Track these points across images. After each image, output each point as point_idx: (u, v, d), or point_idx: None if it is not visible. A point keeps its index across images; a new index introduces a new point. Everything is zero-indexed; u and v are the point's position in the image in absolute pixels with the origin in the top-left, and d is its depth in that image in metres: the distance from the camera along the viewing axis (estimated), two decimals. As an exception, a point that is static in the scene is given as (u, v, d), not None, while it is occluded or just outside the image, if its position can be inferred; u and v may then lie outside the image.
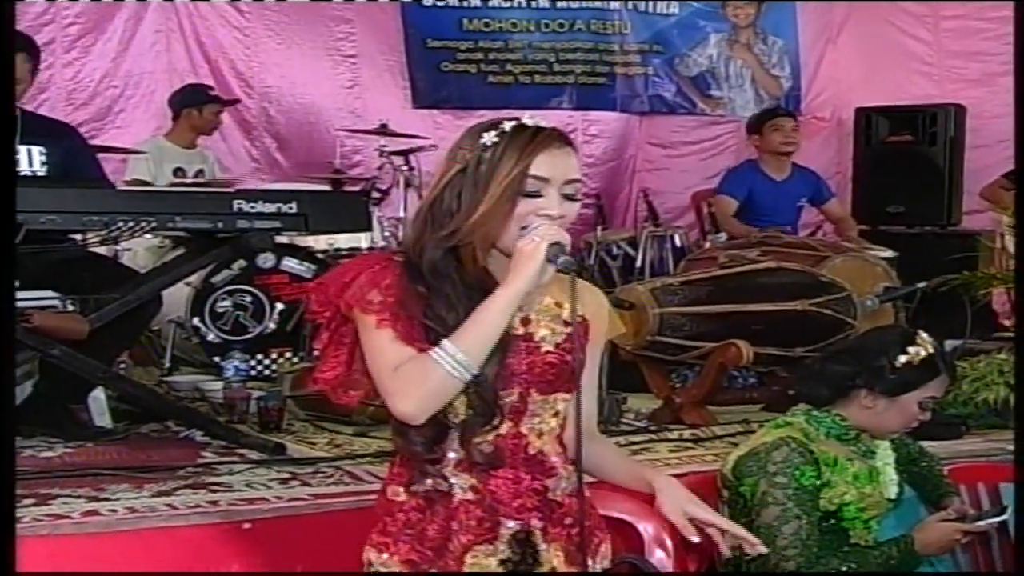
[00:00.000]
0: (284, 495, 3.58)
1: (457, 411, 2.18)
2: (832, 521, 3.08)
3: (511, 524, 2.20)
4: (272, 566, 3.21)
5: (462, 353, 2.10)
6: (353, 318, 2.17)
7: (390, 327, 2.13)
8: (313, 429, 4.65)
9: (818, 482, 3.03)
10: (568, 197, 2.21)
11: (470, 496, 2.20)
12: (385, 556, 2.22)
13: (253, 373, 5.75)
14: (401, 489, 2.24)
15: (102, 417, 4.58)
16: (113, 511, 3.34)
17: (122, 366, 5.34)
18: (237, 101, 7.76)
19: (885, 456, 3.23)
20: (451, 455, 2.20)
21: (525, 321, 2.22)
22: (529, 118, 2.23)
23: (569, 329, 2.24)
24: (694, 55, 9.19)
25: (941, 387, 3.19)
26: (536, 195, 2.17)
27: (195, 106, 7.13)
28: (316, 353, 2.30)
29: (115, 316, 4.28)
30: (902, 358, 3.10)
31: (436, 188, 2.24)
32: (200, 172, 7.06)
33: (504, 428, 2.20)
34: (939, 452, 3.72)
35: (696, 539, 2.24)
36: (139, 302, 4.42)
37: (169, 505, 3.41)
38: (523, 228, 2.17)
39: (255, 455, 4.11)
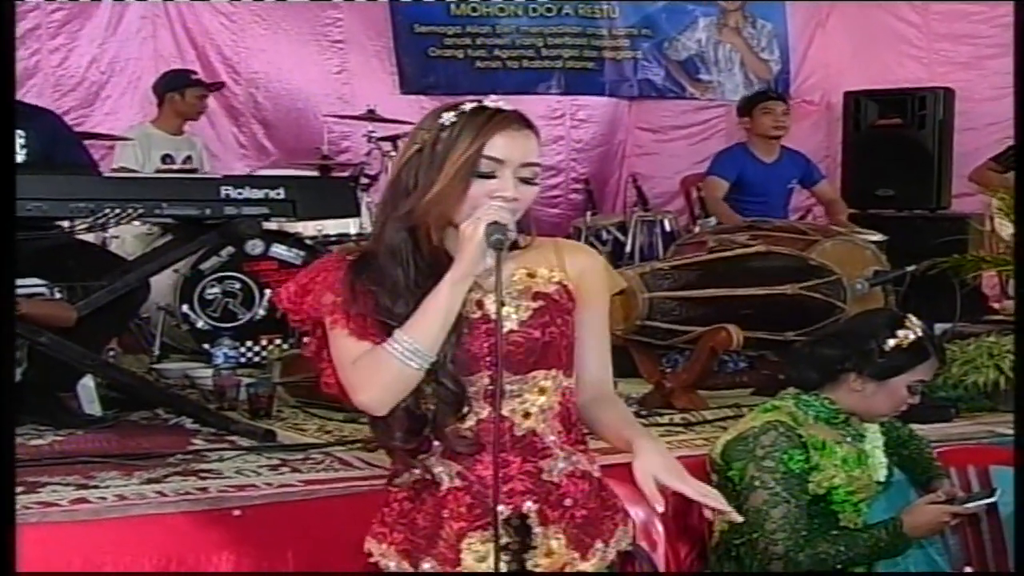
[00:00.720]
0: (274, 481, 3.57)
1: (429, 401, 2.17)
2: (821, 504, 3.09)
3: (501, 508, 2.16)
4: (262, 553, 3.20)
5: (412, 341, 2.09)
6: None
7: (342, 325, 2.15)
8: (303, 415, 4.64)
9: (806, 466, 3.04)
10: (525, 180, 2.18)
11: (458, 483, 2.19)
12: (384, 546, 2.24)
13: (243, 360, 5.75)
14: (394, 479, 2.26)
15: (91, 405, 4.56)
16: (103, 498, 3.33)
17: (111, 354, 5.33)
18: (221, 84, 7.71)
19: (874, 439, 3.23)
20: (436, 443, 2.19)
21: (480, 303, 2.18)
22: (491, 101, 2.21)
23: (538, 304, 2.21)
24: (683, 39, 9.17)
25: (930, 370, 3.19)
26: (490, 176, 2.15)
27: (177, 90, 7.07)
28: (310, 356, 2.30)
29: (103, 303, 4.27)
30: (891, 341, 3.10)
31: (394, 169, 2.25)
32: (188, 159, 7.03)
33: (484, 413, 2.17)
34: (929, 435, 3.72)
35: (660, 508, 2.16)
36: (127, 289, 4.42)
37: (159, 492, 3.40)
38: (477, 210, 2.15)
39: (245, 442, 4.10)
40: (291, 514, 3.33)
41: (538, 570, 2.20)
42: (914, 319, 3.16)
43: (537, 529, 2.20)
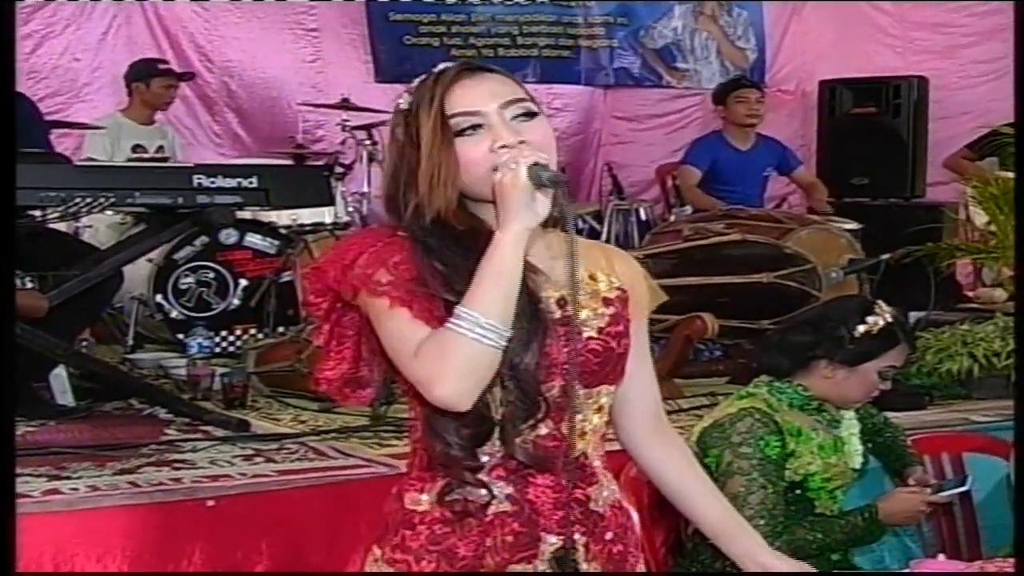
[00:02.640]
0: (248, 472, 3.57)
1: (497, 405, 1.90)
2: (797, 491, 3.09)
3: (553, 540, 1.94)
4: (236, 543, 3.19)
5: (478, 314, 1.80)
6: (359, 304, 1.92)
7: (405, 305, 1.86)
8: (278, 405, 4.64)
9: (783, 452, 3.03)
10: (521, 119, 1.94)
11: (507, 507, 1.92)
12: None
13: (217, 350, 5.74)
14: (424, 498, 1.95)
15: (64, 395, 4.54)
16: (75, 489, 3.32)
17: (84, 344, 5.30)
18: (191, 75, 7.58)
19: (850, 426, 3.23)
20: (484, 459, 1.92)
21: (561, 303, 1.94)
22: (441, 65, 1.98)
23: (611, 310, 1.99)
24: (659, 27, 9.15)
25: (901, 356, 3.19)
26: (474, 130, 1.92)
27: (142, 80, 6.97)
28: (318, 346, 2.04)
29: (75, 293, 4.25)
30: (861, 328, 3.09)
31: (387, 174, 2.01)
32: (160, 148, 6.99)
33: (543, 429, 1.92)
34: (903, 422, 3.73)
35: None
36: (99, 279, 4.40)
37: (131, 483, 3.40)
38: (495, 170, 1.90)
39: (219, 432, 4.09)
40: (265, 504, 3.33)
41: None
42: (884, 305, 3.16)
43: (583, 565, 1.97)
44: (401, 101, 1.98)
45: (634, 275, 2.10)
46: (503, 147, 1.90)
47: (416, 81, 1.99)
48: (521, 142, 1.91)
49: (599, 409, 2.00)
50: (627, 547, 2.04)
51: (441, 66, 1.98)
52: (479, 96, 1.93)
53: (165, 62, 7.28)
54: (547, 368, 1.91)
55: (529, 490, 1.93)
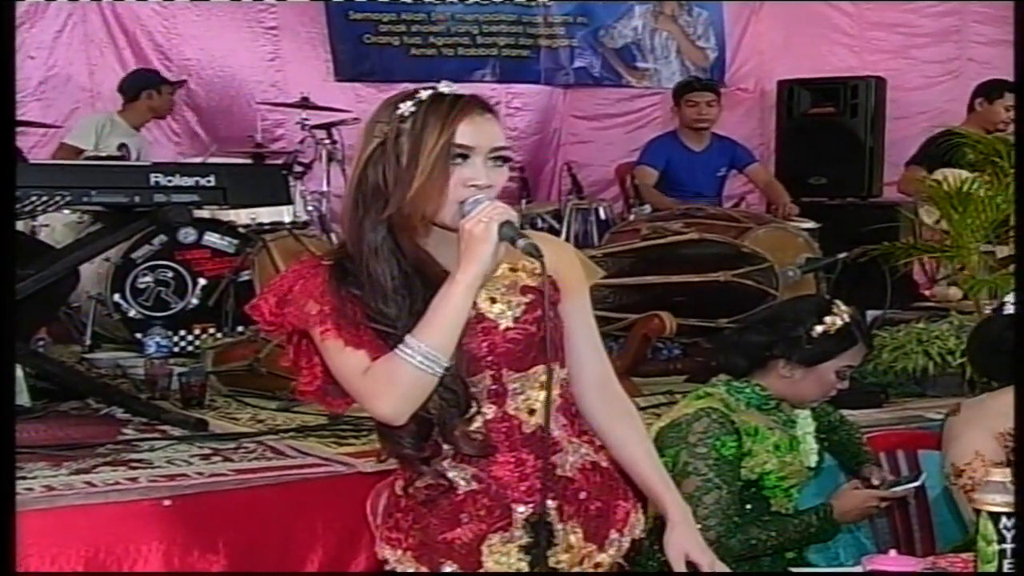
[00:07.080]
0: (205, 471, 3.56)
1: (433, 404, 2.11)
2: (753, 490, 3.10)
3: (522, 509, 2.15)
4: (193, 542, 3.18)
5: (427, 346, 2.03)
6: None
7: (335, 337, 2.07)
8: (236, 405, 4.62)
9: (739, 452, 3.05)
10: (495, 165, 2.14)
11: (474, 486, 2.14)
12: (399, 552, 2.19)
13: (175, 349, 5.71)
14: (405, 484, 2.20)
15: (20, 395, 4.49)
16: (29, 489, 3.29)
17: (40, 343, 5.27)
18: (184, 82, 7.70)
19: (805, 425, 3.25)
20: (447, 447, 2.14)
21: (472, 302, 2.12)
22: (445, 86, 2.15)
23: (528, 298, 2.17)
24: (619, 27, 9.18)
25: (858, 356, 3.20)
26: (461, 160, 2.10)
27: (155, 87, 7.19)
28: (287, 364, 2.23)
29: (31, 292, 4.22)
30: (818, 328, 3.11)
31: (358, 167, 2.15)
32: (139, 154, 7.01)
33: (490, 413, 2.14)
34: (859, 420, 3.75)
35: None
36: (55, 277, 4.38)
37: (87, 483, 3.38)
38: (461, 203, 2.09)
39: (177, 431, 4.08)
40: (222, 503, 3.32)
41: (560, 567, 2.17)
42: (841, 305, 3.17)
43: (558, 526, 2.17)
44: (402, 108, 2.10)
45: (561, 259, 2.25)
46: (473, 185, 2.09)
47: (422, 92, 2.12)
48: (490, 185, 2.11)
49: (543, 386, 2.15)
50: (608, 502, 2.23)
51: (449, 88, 2.14)
52: (480, 136, 2.11)
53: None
54: (471, 363, 2.12)
55: (493, 468, 2.14)
